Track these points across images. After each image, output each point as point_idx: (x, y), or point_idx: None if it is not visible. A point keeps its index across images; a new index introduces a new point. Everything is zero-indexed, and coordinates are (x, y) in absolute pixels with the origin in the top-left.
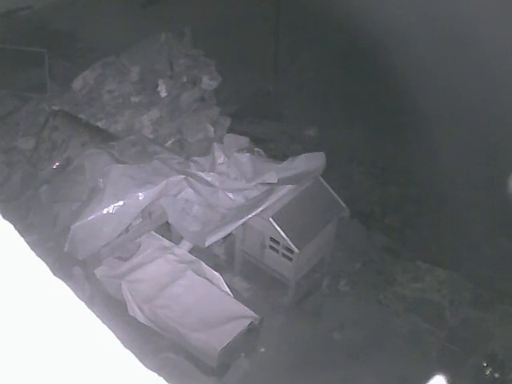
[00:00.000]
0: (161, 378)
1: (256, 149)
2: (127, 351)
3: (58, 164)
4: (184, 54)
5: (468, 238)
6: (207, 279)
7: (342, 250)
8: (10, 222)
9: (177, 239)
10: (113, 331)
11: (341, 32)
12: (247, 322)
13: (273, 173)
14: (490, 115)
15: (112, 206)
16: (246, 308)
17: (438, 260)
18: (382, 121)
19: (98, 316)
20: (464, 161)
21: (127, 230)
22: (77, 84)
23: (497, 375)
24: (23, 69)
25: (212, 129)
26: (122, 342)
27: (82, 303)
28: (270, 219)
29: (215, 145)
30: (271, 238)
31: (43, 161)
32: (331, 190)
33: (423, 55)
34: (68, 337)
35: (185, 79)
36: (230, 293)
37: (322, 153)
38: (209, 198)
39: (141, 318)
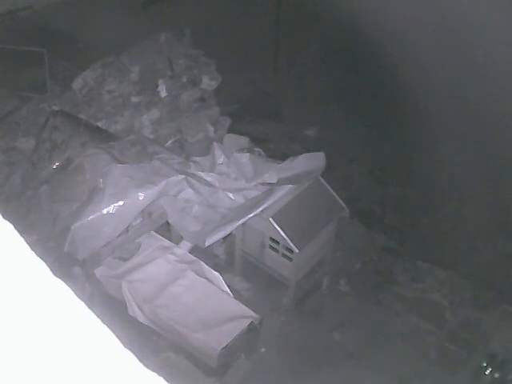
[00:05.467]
0: (161, 378)
1: (256, 149)
2: (127, 351)
3: (57, 164)
4: (184, 54)
5: (468, 238)
6: (207, 279)
7: (342, 249)
8: (10, 222)
9: (177, 239)
10: (113, 331)
11: (341, 32)
12: (247, 322)
13: (273, 173)
14: (490, 115)
15: (112, 205)
16: (246, 308)
17: (438, 260)
18: (382, 121)
19: (97, 316)
20: (464, 161)
21: (127, 230)
22: (77, 84)
23: (497, 375)
24: (23, 69)
25: (212, 129)
26: (122, 342)
27: (82, 303)
28: (270, 219)
29: (215, 145)
30: (271, 237)
31: (43, 161)
32: (331, 190)
33: (423, 55)
34: (68, 337)
35: (185, 79)
36: (230, 293)
37: (321, 153)
38: (209, 198)
39: (141, 317)
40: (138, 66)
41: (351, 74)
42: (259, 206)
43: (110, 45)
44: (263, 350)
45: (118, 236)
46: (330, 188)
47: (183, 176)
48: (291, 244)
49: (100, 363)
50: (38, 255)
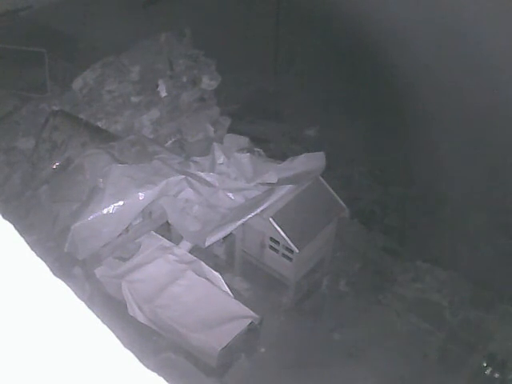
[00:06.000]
0: (161, 378)
1: (256, 149)
2: (127, 351)
3: (57, 164)
4: (184, 54)
5: (468, 238)
6: (207, 279)
7: (342, 250)
8: (10, 222)
9: (177, 239)
10: (113, 331)
11: (341, 32)
12: (247, 322)
13: (273, 173)
14: (490, 115)
15: (112, 205)
16: (246, 308)
17: (437, 260)
18: (382, 121)
19: (97, 316)
20: (464, 161)
21: (127, 229)
22: (77, 84)
23: (497, 375)
24: (23, 69)
25: (212, 129)
26: (122, 342)
27: (82, 303)
28: (270, 219)
29: (215, 145)
30: (271, 237)
31: (43, 161)
32: (331, 190)
33: (423, 55)
34: (68, 337)
35: (185, 79)
36: (230, 293)
37: (321, 153)
38: (209, 198)
39: (141, 317)
40: (138, 65)
41: (351, 73)
42: (259, 206)
43: (110, 45)
44: (263, 350)
45: (118, 236)
46: (330, 188)
47: (183, 176)
48: (291, 244)
49: (100, 363)
50: (38, 255)
